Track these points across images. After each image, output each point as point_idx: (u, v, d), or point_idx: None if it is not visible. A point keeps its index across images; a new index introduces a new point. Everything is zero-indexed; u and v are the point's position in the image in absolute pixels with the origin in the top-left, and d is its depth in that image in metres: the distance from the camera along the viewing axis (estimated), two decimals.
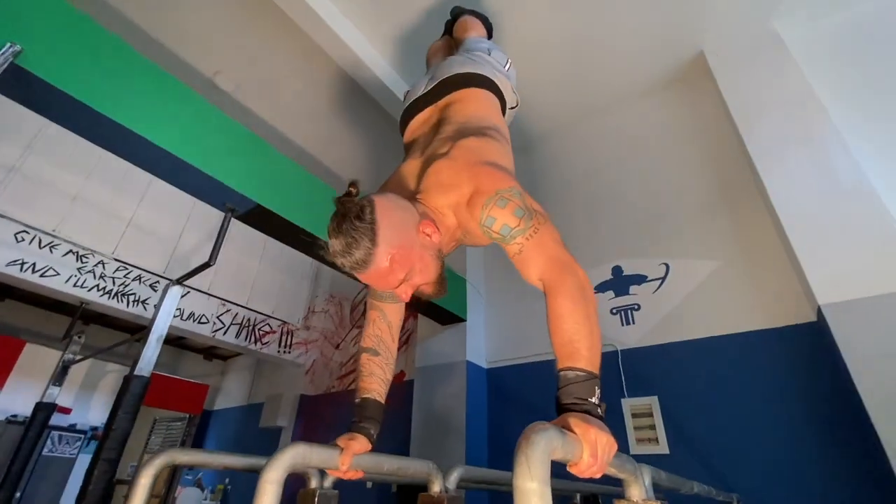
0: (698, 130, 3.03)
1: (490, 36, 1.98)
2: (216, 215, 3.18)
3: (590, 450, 0.57)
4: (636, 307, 2.79)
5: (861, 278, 1.92)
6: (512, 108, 1.45)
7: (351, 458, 0.78)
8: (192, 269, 1.97)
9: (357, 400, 0.98)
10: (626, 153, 3.32)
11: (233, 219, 2.13)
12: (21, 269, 2.82)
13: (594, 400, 0.68)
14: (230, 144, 2.12)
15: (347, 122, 3.82)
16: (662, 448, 2.35)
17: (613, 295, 2.92)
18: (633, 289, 2.86)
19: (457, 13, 2.08)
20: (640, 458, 1.26)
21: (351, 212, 0.79)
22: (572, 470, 0.57)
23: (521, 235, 0.83)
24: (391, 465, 0.82)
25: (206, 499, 4.46)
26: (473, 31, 1.86)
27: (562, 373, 0.71)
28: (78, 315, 3.33)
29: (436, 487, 0.84)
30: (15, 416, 3.99)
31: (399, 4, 2.82)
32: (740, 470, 2.10)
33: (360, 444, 0.83)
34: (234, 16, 2.99)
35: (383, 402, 1.00)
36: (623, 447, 2.48)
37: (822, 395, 2.02)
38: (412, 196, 0.98)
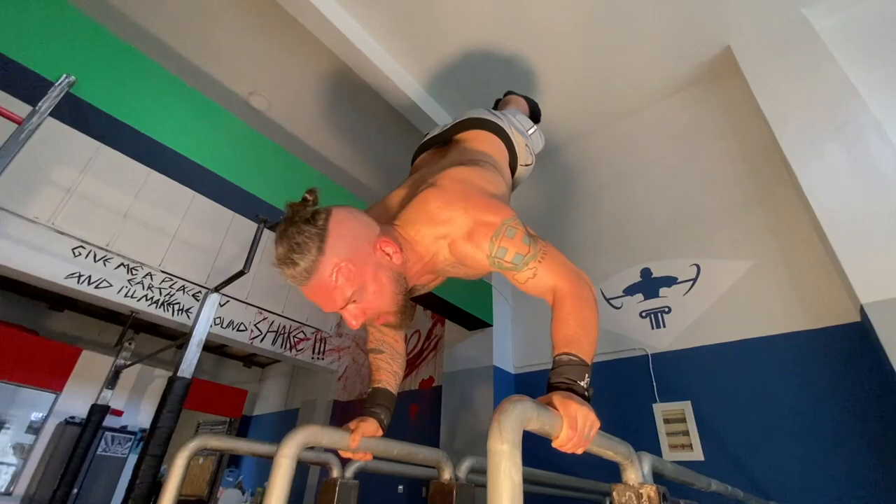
0: (728, 127, 2.95)
1: (536, 120, 1.99)
2: (252, 227, 3.36)
3: (569, 422, 0.59)
4: (667, 310, 2.73)
5: None
6: (525, 165, 1.46)
7: (360, 438, 0.82)
8: (227, 279, 2.09)
9: (368, 390, 1.02)
10: (655, 154, 3.26)
11: (266, 230, 2.24)
12: (78, 282, 3.05)
13: (583, 383, 0.71)
14: (262, 159, 2.25)
15: (372, 135, 3.94)
16: (697, 454, 2.28)
17: (643, 298, 2.86)
18: (663, 291, 2.80)
19: (506, 93, 2.16)
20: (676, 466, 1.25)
21: (301, 216, 0.74)
22: (555, 444, 0.59)
23: (534, 260, 0.83)
24: (401, 451, 0.86)
25: (246, 501, 4.62)
26: (512, 105, 1.92)
27: (556, 357, 0.74)
28: (129, 324, 3.56)
29: (446, 475, 0.87)
30: (73, 417, 4.29)
31: (425, 21, 2.91)
32: (779, 476, 2.01)
33: (369, 426, 0.87)
34: (266, 38, 3.16)
35: (393, 391, 1.02)
36: (655, 453, 2.43)
37: (866, 399, 1.92)
38: (389, 222, 0.91)
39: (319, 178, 2.47)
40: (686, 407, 2.41)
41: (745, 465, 2.12)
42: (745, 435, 2.18)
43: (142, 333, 5.24)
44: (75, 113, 1.61)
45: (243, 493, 4.68)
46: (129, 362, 3.43)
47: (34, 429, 4.24)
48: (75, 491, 3.76)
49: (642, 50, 3.00)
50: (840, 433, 1.94)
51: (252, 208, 2.18)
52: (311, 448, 0.91)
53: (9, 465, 4.09)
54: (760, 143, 2.71)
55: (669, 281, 2.80)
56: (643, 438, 2.45)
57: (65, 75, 1.36)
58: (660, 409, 2.48)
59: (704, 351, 2.49)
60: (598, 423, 0.62)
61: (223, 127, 2.12)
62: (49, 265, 2.94)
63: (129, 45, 1.81)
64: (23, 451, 4.15)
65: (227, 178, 2.03)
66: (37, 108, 1.27)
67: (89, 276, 3.15)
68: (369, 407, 0.96)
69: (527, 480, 1.70)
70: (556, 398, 0.63)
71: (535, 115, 2.01)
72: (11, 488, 4.02)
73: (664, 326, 2.70)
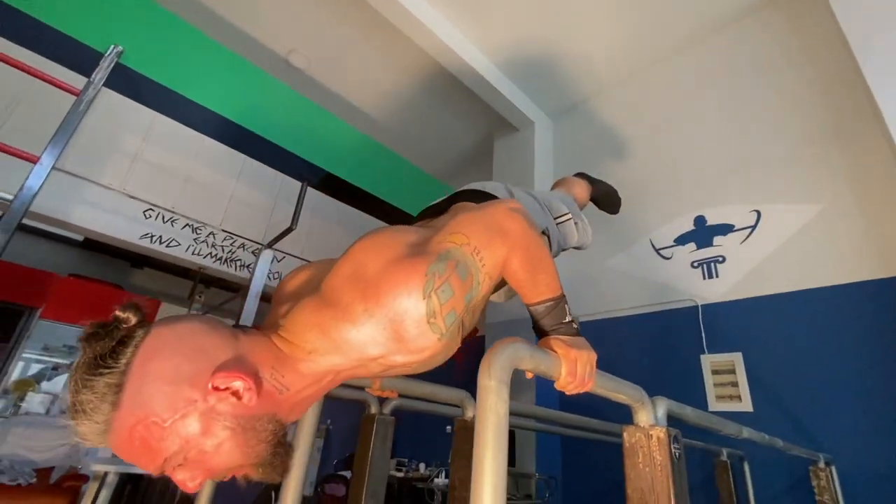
0: (800, 55, 2.63)
1: (609, 209, 1.81)
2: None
3: (568, 367, 0.60)
4: (720, 259, 2.59)
5: None
6: None
7: (381, 379, 0.88)
8: (279, 234, 2.22)
9: None
10: (713, 90, 2.99)
11: (309, 188, 2.33)
12: (151, 241, 3.34)
13: (567, 319, 0.70)
14: (303, 120, 2.30)
15: (416, 93, 3.87)
16: (746, 405, 2.23)
17: (695, 247, 2.73)
18: (717, 240, 2.65)
19: (576, 174, 1.86)
20: (720, 416, 1.23)
21: (92, 354, 0.52)
22: (557, 386, 0.61)
23: (480, 273, 0.65)
24: (424, 390, 0.92)
25: None
26: (563, 187, 1.64)
27: (531, 309, 0.73)
28: (198, 279, 3.89)
29: (469, 413, 0.92)
30: None
31: None
32: (832, 431, 1.93)
33: None
34: None
35: None
36: (701, 404, 2.40)
37: None
38: (275, 325, 0.65)
39: (360, 137, 2.51)
40: (736, 358, 2.33)
41: (797, 417, 2.06)
42: (799, 388, 2.10)
43: (211, 287, 5.72)
44: (130, 83, 1.72)
45: None
46: (200, 313, 3.79)
47: None
48: None
49: None
50: None
51: (297, 168, 2.27)
52: (352, 387, 0.99)
53: None
54: (837, 71, 2.40)
55: (725, 229, 2.64)
56: (688, 389, 2.42)
57: (113, 46, 1.44)
58: (708, 361, 2.42)
59: (760, 301, 2.37)
60: (594, 357, 0.63)
61: (265, 90, 2.18)
62: (125, 227, 3.24)
63: (169, 11, 1.87)
64: None
65: (272, 140, 2.10)
66: (91, 78, 1.37)
67: (160, 236, 3.44)
68: None
69: (546, 420, 1.74)
70: (555, 343, 0.64)
71: (602, 202, 1.79)
72: None
73: (716, 276, 2.58)
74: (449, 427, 3.72)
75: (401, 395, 0.93)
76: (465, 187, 1.11)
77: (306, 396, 0.63)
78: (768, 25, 2.81)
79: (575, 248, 1.35)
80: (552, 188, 1.69)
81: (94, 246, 4.74)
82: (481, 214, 0.70)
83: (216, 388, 0.53)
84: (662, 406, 0.65)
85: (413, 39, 3.07)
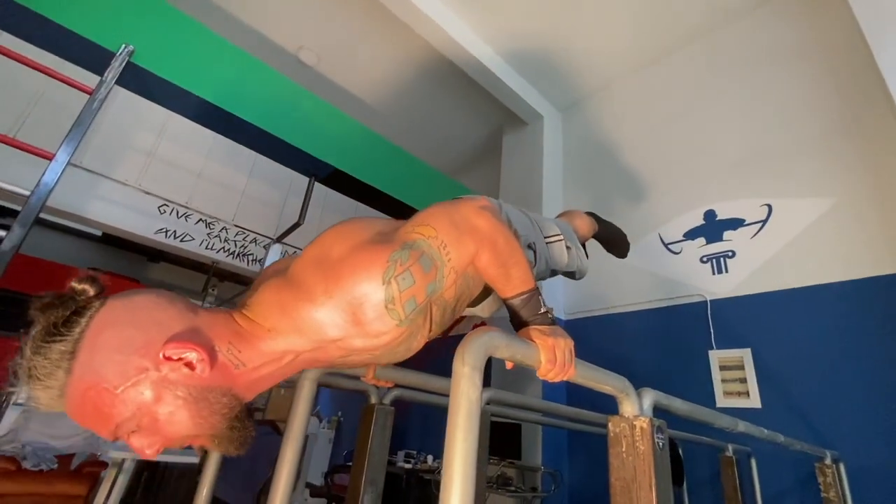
0: (814, 46, 2.57)
1: (615, 252, 1.79)
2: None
3: (546, 354, 0.62)
4: (730, 254, 2.56)
5: None
6: None
7: (374, 369, 0.91)
8: (287, 229, 2.25)
9: None
10: (725, 82, 2.94)
11: (316, 182, 2.37)
12: (165, 236, 3.43)
13: (543, 310, 0.72)
14: (312, 117, 2.33)
15: (427, 90, 3.88)
16: (754, 402, 2.21)
17: (704, 242, 2.70)
18: (727, 234, 2.62)
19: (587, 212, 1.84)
20: (728, 412, 1.23)
21: (47, 321, 0.53)
22: (539, 375, 0.63)
23: (446, 266, 0.66)
24: (416, 380, 0.94)
25: (323, 427, 5.19)
26: (566, 218, 1.62)
27: (507, 303, 0.74)
28: (211, 273, 3.97)
29: None
30: None
31: None
32: (841, 427, 1.91)
33: None
34: None
35: None
36: (708, 400, 2.39)
37: None
38: (241, 304, 0.67)
39: (368, 133, 2.53)
40: (745, 354, 2.31)
41: (805, 414, 2.03)
42: (808, 385, 2.07)
43: (225, 281, 5.83)
44: (140, 81, 1.76)
45: (320, 421, 5.26)
46: (213, 306, 3.87)
47: None
48: None
49: None
50: None
51: (305, 164, 2.30)
52: (352, 377, 1.02)
53: None
54: (852, 63, 2.35)
55: (735, 223, 2.61)
56: (696, 385, 2.41)
57: (124, 45, 1.48)
58: (716, 356, 2.40)
59: (770, 297, 2.34)
60: (571, 345, 0.65)
61: (276, 87, 2.20)
62: (140, 222, 3.32)
63: (179, 10, 1.91)
64: None
65: (282, 137, 2.14)
66: (103, 77, 1.41)
67: (174, 231, 3.52)
68: None
69: (552, 414, 1.75)
70: (532, 332, 0.66)
71: (607, 244, 1.77)
72: None
73: (726, 272, 2.55)
74: None
75: (397, 385, 0.95)
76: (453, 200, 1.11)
77: (264, 375, 0.63)
78: (782, 15, 2.75)
79: (568, 274, 1.33)
80: (557, 217, 1.65)
81: (113, 241, 4.87)
82: (451, 211, 0.71)
83: (168, 358, 0.54)
84: (649, 397, 0.66)
85: (421, 34, 3.08)
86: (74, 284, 0.55)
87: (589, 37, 3.25)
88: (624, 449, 0.62)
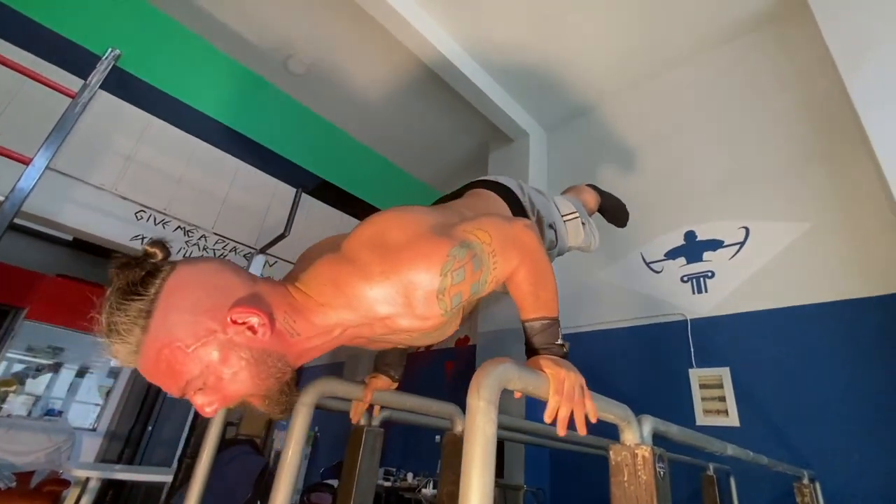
0: (791, 76, 2.69)
1: (616, 221, 1.83)
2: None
3: (555, 386, 0.61)
4: (710, 274, 2.63)
5: None
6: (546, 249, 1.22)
7: (372, 392, 0.89)
8: (271, 240, 2.21)
9: (378, 351, 1.04)
10: (705, 108, 3.04)
11: (304, 194, 2.34)
12: (142, 243, 3.32)
13: (558, 342, 0.74)
14: (300, 127, 2.31)
15: (412, 101, 3.89)
16: (732, 420, 2.25)
17: (685, 262, 2.76)
18: (707, 255, 2.69)
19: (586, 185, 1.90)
20: (707, 431, 1.25)
21: (125, 280, 0.57)
22: (546, 417, 0.61)
23: (490, 273, 0.70)
24: (413, 403, 0.92)
25: None
26: (573, 193, 1.69)
27: (526, 324, 0.75)
28: None
29: (458, 427, 0.93)
30: None
31: None
32: (817, 447, 1.96)
33: (382, 381, 0.93)
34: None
35: (403, 349, 1.03)
36: (688, 418, 2.42)
37: None
38: (293, 278, 0.71)
39: (356, 144, 2.52)
40: (724, 373, 2.36)
41: (783, 434, 2.08)
42: (785, 404, 2.12)
43: None
44: (124, 85, 1.72)
45: None
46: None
47: (114, 373, 4.79)
48: (150, 428, 4.26)
49: None
50: (891, 408, 1.84)
51: (292, 174, 2.27)
52: (343, 399, 0.99)
53: (95, 405, 4.67)
54: (826, 93, 2.46)
55: (715, 244, 2.68)
56: (676, 403, 2.44)
57: (110, 49, 1.44)
58: (696, 375, 2.44)
59: (748, 317, 2.40)
60: (581, 380, 0.64)
61: (263, 96, 2.18)
62: (116, 228, 3.22)
63: (168, 15, 1.88)
64: (105, 392, 4.71)
65: (267, 146, 2.11)
66: (87, 81, 1.37)
67: (151, 238, 3.42)
68: (378, 366, 1.02)
69: (534, 433, 1.74)
70: (543, 362, 0.65)
71: (608, 212, 1.81)
72: (97, 425, 4.60)
73: (706, 291, 2.61)
74: (438, 437, 3.70)
75: (391, 408, 0.93)
76: (479, 179, 1.18)
77: (314, 346, 0.68)
78: (760, 46, 2.88)
79: (581, 249, 1.39)
80: (562, 194, 1.72)
81: (84, 246, 4.69)
82: (505, 224, 0.76)
83: (234, 321, 0.59)
84: (648, 424, 0.66)
85: (409, 47, 3.10)
86: (147, 247, 0.61)
87: (575, 58, 3.33)
88: (626, 478, 0.62)
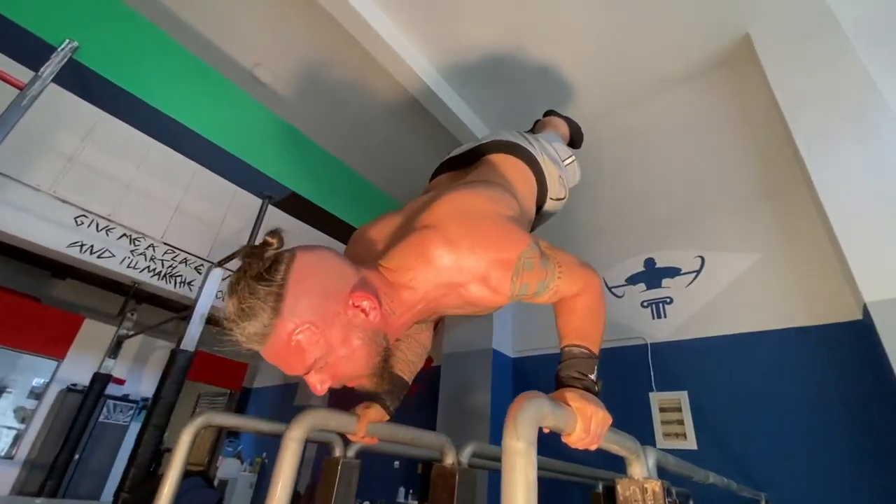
0: (742, 118, 2.90)
1: (575, 145, 1.86)
2: (255, 202, 3.33)
3: (583, 423, 0.59)
4: (668, 300, 2.73)
5: None
6: (558, 199, 1.29)
7: (366, 425, 0.83)
8: (232, 252, 2.08)
9: None
10: (664, 142, 3.21)
11: (270, 205, 2.23)
12: (80, 251, 3.04)
13: (592, 377, 0.73)
14: (267, 134, 2.21)
15: (379, 115, 3.87)
16: (690, 443, 2.32)
17: (645, 287, 2.86)
18: (665, 282, 2.80)
19: (546, 112, 1.98)
20: (666, 452, 1.26)
21: (254, 269, 0.61)
22: (566, 440, 0.60)
23: (554, 281, 0.77)
24: (406, 435, 0.86)
25: (244, 470, 4.72)
26: (550, 128, 1.75)
27: (566, 349, 0.76)
28: (131, 294, 3.57)
29: (449, 460, 0.88)
30: (75, 384, 4.35)
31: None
32: (771, 470, 2.04)
33: (376, 412, 0.87)
34: (275, 6, 3.07)
35: (406, 378, 0.99)
36: (648, 441, 2.46)
37: (864, 397, 1.94)
38: (375, 259, 0.78)
39: (327, 156, 2.45)
40: (682, 397, 2.43)
41: (738, 456, 2.15)
42: (740, 427, 2.21)
43: (144, 304, 5.27)
44: (78, 80, 1.58)
45: (242, 463, 4.78)
46: (131, 332, 3.45)
47: (36, 394, 4.31)
48: (77, 457, 3.84)
49: (659, 34, 2.92)
50: (836, 430, 1.96)
51: (255, 184, 2.17)
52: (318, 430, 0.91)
53: (10, 428, 4.16)
54: (773, 135, 2.66)
55: (673, 272, 2.80)
56: (638, 426, 2.49)
57: (68, 40, 1.33)
58: (656, 398, 2.50)
59: (704, 343, 2.51)
60: (609, 421, 0.62)
61: (229, 100, 2.08)
62: (51, 233, 2.93)
63: (134, 10, 1.76)
64: (24, 415, 4.21)
65: (232, 152, 2.00)
66: (39, 73, 1.24)
67: (91, 246, 3.14)
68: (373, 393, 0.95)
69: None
70: (571, 396, 0.63)
71: (575, 141, 1.86)
72: (14, 452, 4.09)
73: (665, 317, 2.71)
74: (397, 462, 3.57)
75: (383, 440, 0.87)
76: (494, 138, 1.21)
77: (404, 322, 0.76)
78: (715, 88, 3.09)
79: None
80: (542, 128, 1.78)
81: (9, 252, 4.25)
82: (576, 258, 0.84)
83: (355, 305, 0.66)
84: (652, 457, 0.65)
85: (380, 62, 3.09)
86: (268, 238, 0.65)
87: (542, 90, 3.44)
88: None
